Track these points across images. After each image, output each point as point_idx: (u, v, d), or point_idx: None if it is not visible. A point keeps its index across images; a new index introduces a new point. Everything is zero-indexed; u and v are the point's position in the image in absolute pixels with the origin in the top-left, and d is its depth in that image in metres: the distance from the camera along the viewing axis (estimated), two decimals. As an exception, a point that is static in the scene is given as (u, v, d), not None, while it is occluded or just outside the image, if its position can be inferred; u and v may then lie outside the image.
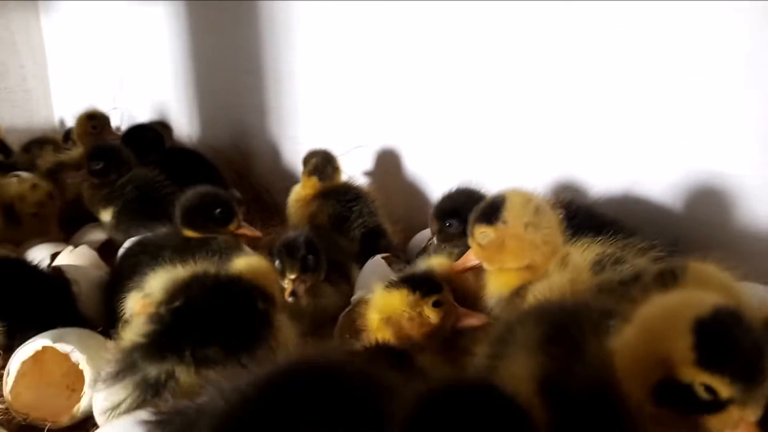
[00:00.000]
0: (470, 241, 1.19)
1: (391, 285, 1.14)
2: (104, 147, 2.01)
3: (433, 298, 1.12)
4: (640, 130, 1.46)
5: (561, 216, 1.18)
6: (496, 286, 1.18)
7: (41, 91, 3.62)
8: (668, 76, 1.38)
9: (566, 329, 0.80)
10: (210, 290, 1.13)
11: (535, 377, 0.78)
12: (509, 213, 1.12)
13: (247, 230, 1.61)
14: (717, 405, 0.65)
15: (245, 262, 1.24)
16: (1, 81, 3.45)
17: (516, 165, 1.72)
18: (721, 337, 0.66)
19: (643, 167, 1.47)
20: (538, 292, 1.08)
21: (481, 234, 1.15)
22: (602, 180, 1.54)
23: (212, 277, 1.16)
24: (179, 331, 1.04)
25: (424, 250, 1.55)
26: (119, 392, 1.02)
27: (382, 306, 1.13)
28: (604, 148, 1.53)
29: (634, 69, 1.43)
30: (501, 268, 1.17)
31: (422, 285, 1.12)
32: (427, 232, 1.61)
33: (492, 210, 1.14)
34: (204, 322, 1.05)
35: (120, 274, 1.50)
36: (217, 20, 2.52)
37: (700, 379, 0.65)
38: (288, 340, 1.12)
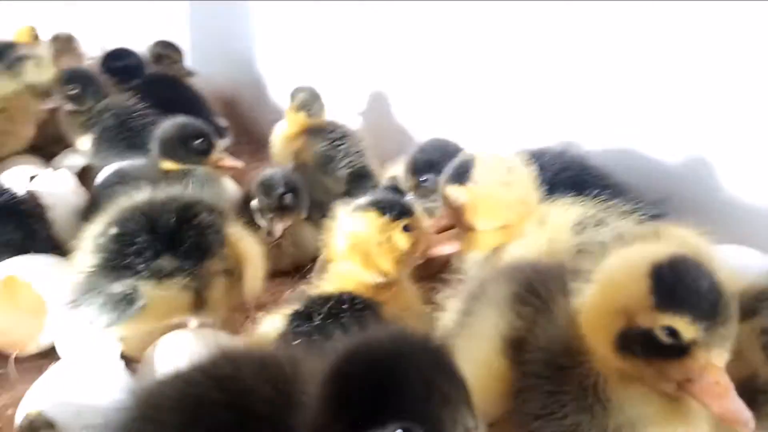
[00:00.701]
0: (441, 203, 1.17)
1: (359, 207, 1.07)
2: (78, 72, 1.93)
3: (404, 222, 1.05)
4: (643, 94, 1.40)
5: (535, 173, 1.14)
6: (472, 248, 1.15)
7: None
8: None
9: (536, 289, 0.79)
10: (153, 209, 1.12)
11: (503, 336, 0.78)
12: (479, 172, 1.10)
13: (228, 161, 1.57)
14: (680, 348, 0.64)
15: None
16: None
17: (509, 120, 1.67)
18: (677, 278, 0.65)
19: (642, 127, 1.42)
20: (515, 252, 1.06)
21: (452, 194, 1.13)
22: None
23: (158, 199, 1.15)
24: (129, 249, 1.04)
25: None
26: (88, 314, 1.03)
27: (349, 230, 1.06)
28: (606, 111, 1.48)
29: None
30: (475, 230, 1.14)
31: (392, 208, 1.06)
32: None
33: (462, 170, 1.12)
34: (149, 237, 1.06)
35: (95, 204, 1.44)
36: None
37: (660, 322, 0.64)
38: (248, 251, 1.15)
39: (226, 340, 1.08)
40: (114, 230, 1.07)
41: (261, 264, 1.18)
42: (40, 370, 1.11)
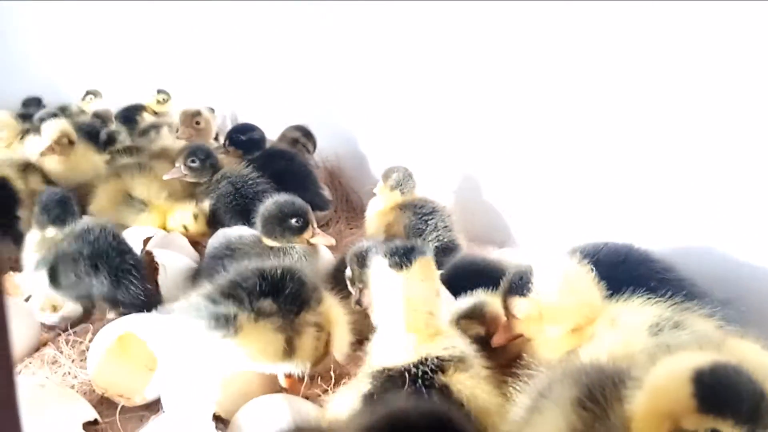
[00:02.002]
0: (506, 316, 1.17)
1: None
2: (199, 148, 2.14)
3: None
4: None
5: (593, 274, 1.12)
6: (545, 354, 1.13)
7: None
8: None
9: (596, 395, 0.80)
10: (266, 265, 1.30)
11: None
12: (540, 281, 1.10)
13: (321, 238, 1.67)
14: None
15: None
16: None
17: (591, 197, 1.68)
18: (718, 382, 0.67)
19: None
20: (592, 355, 1.03)
21: (516, 306, 1.13)
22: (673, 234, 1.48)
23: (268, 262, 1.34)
24: (239, 285, 1.23)
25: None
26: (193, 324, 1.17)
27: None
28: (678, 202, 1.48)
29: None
30: (545, 337, 1.13)
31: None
32: None
33: (522, 281, 1.12)
34: (257, 281, 1.24)
35: (207, 272, 1.57)
36: (326, 26, 2.62)
37: (704, 425, 0.66)
38: (337, 316, 1.30)
39: (311, 408, 1.15)
40: (230, 276, 1.27)
41: (348, 329, 1.31)
42: (141, 421, 1.23)
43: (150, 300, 1.56)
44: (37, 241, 1.61)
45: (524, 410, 0.91)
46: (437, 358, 1.02)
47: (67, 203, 1.65)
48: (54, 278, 1.52)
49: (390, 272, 1.05)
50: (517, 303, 1.13)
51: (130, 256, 1.58)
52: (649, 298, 1.07)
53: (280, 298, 1.22)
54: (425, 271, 1.06)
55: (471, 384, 1.03)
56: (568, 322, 1.09)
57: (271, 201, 1.66)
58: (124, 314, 1.44)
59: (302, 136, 2.58)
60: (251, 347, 1.17)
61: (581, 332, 1.09)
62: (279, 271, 1.26)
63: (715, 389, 0.66)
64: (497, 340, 1.19)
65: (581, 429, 0.79)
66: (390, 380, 1.02)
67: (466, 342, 1.10)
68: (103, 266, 1.52)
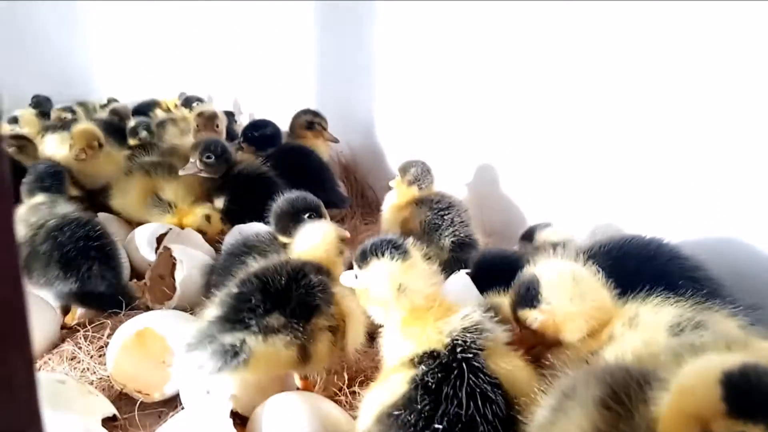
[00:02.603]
0: (518, 327, 1.15)
1: None
2: (212, 142, 2.13)
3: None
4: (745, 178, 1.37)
5: (599, 274, 1.11)
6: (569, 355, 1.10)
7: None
8: None
9: (620, 395, 0.80)
10: (269, 271, 1.24)
11: None
12: (547, 291, 1.08)
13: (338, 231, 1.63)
14: None
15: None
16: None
17: (611, 190, 1.66)
18: (748, 385, 0.65)
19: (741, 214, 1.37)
20: (611, 357, 1.03)
21: (528, 319, 1.12)
22: (699, 223, 1.46)
23: (271, 264, 1.28)
24: (243, 306, 1.17)
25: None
26: (199, 358, 1.13)
27: None
28: (705, 191, 1.45)
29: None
30: (561, 345, 1.11)
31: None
32: (462, 274, 1.52)
33: (530, 293, 1.10)
34: (263, 296, 1.18)
35: (225, 269, 1.56)
36: (341, 23, 2.61)
37: (734, 429, 0.65)
38: (352, 309, 1.23)
39: (330, 406, 1.16)
40: (234, 289, 1.21)
41: (363, 321, 1.26)
42: (159, 417, 1.24)
43: (121, 296, 1.60)
44: (25, 210, 1.67)
45: (549, 410, 0.89)
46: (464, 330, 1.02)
47: (60, 175, 1.78)
48: (30, 277, 1.56)
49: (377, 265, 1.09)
50: (529, 315, 1.11)
51: (105, 251, 1.62)
52: (668, 297, 1.05)
53: (287, 310, 1.18)
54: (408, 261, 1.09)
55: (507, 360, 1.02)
56: (583, 327, 1.07)
57: (283, 198, 1.65)
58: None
59: (314, 117, 2.55)
60: (263, 365, 1.15)
61: (598, 335, 1.07)
62: (283, 281, 1.21)
63: (745, 392, 0.65)
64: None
65: (605, 429, 0.78)
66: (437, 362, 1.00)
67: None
68: (74, 266, 1.55)
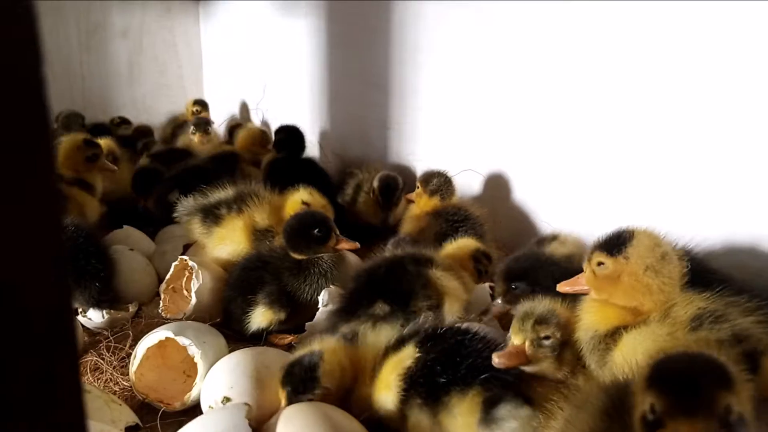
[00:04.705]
0: (585, 266, 1.16)
1: None
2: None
3: None
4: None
5: (685, 269, 1.11)
6: (593, 321, 1.13)
7: (195, 89, 3.97)
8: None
9: (618, 406, 0.83)
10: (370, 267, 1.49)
11: None
12: (634, 250, 1.08)
13: (345, 244, 1.67)
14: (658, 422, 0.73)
15: None
16: (162, 77, 3.84)
17: (627, 199, 1.67)
18: (666, 364, 0.77)
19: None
20: (634, 341, 1.06)
21: (599, 262, 1.12)
22: (720, 231, 1.47)
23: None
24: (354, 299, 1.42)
25: (485, 313, 1.52)
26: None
27: None
28: (728, 196, 1.46)
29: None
30: (606, 302, 1.13)
31: None
32: (485, 286, 1.59)
33: (617, 242, 1.10)
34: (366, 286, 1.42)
35: (240, 283, 1.63)
36: (352, 37, 2.65)
37: (647, 401, 0.74)
38: (450, 289, 1.40)
39: (342, 416, 1.16)
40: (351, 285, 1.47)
41: (461, 296, 1.43)
42: (180, 426, 1.25)
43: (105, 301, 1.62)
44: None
45: (564, 422, 0.92)
46: None
47: None
48: None
49: None
50: (605, 260, 1.11)
51: (94, 258, 1.62)
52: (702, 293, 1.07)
53: (389, 295, 1.37)
54: None
55: None
56: (636, 299, 1.08)
57: (292, 217, 1.69)
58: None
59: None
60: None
61: (638, 314, 1.08)
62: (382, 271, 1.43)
63: (662, 369, 0.76)
64: (562, 286, 1.21)
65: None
66: None
67: None
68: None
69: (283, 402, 1.18)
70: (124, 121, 3.40)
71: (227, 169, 2.40)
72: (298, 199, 1.86)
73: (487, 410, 1.04)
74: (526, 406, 1.01)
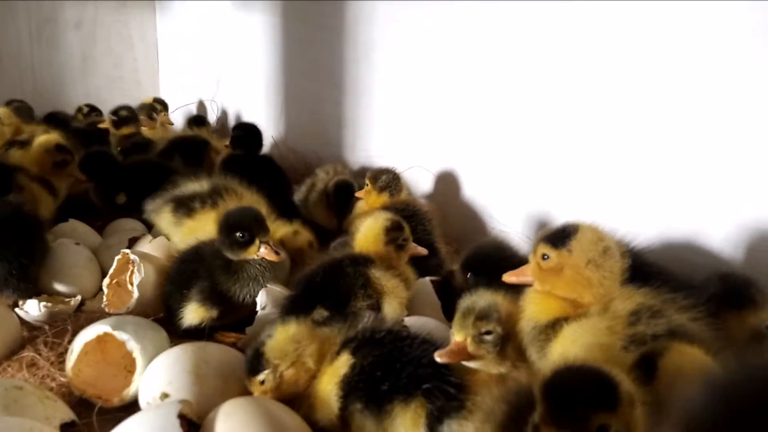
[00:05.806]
0: (530, 257, 1.18)
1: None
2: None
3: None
4: (703, 179, 1.43)
5: (626, 265, 1.14)
6: (535, 311, 1.14)
7: (150, 83, 3.91)
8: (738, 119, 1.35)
9: (518, 417, 0.85)
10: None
11: None
12: (577, 243, 1.10)
13: (269, 254, 1.52)
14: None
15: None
16: (116, 70, 3.77)
17: (573, 196, 1.71)
18: (560, 374, 0.79)
19: (704, 217, 1.43)
20: (574, 333, 1.08)
21: (544, 254, 1.14)
22: (659, 226, 1.51)
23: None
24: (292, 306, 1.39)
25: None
26: None
27: None
28: (666, 192, 1.51)
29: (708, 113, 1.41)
30: (549, 293, 1.15)
31: None
32: (425, 280, 1.59)
33: (562, 235, 1.13)
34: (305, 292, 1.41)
35: (178, 277, 1.59)
36: (308, 35, 2.65)
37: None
38: (389, 288, 1.40)
39: (283, 411, 1.14)
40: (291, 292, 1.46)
41: (401, 294, 1.42)
42: (118, 422, 1.23)
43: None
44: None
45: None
46: None
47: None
48: None
49: None
50: (550, 252, 1.13)
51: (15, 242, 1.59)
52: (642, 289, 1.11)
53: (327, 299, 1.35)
54: None
55: None
56: (577, 292, 1.11)
57: (227, 212, 1.60)
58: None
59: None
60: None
61: (578, 306, 1.11)
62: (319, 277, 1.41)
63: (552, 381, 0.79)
64: (508, 276, 1.22)
65: None
66: None
67: None
68: None
69: (256, 392, 1.19)
70: (94, 109, 3.27)
71: (192, 156, 2.40)
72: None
73: (432, 426, 1.04)
74: (471, 421, 0.99)
